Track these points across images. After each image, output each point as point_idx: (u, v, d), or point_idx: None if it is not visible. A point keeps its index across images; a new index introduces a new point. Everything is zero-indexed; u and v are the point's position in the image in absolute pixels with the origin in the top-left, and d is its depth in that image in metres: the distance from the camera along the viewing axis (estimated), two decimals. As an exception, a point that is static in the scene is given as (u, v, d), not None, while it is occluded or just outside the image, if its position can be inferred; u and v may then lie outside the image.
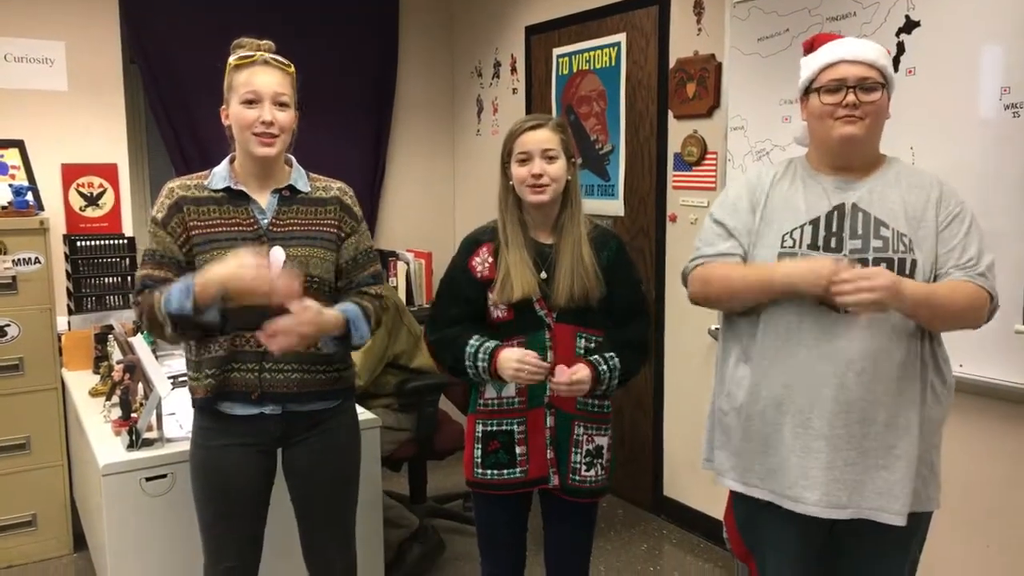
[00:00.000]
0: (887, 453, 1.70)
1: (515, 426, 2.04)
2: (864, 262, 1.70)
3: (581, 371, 1.93)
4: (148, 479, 2.29)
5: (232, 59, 1.92)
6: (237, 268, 1.76)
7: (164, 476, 2.30)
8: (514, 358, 1.92)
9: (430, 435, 3.17)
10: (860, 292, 1.58)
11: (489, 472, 2.06)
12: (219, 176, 1.96)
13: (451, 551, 3.26)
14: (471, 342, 1.99)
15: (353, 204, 2.06)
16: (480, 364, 1.97)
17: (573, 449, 2.04)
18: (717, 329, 3.22)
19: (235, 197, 1.95)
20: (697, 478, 3.47)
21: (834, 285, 1.60)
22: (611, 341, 2.03)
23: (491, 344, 1.97)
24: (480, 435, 2.06)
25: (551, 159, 1.98)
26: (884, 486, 1.70)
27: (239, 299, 1.78)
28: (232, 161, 1.98)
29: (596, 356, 1.99)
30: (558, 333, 2.00)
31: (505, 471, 2.04)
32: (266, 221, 1.95)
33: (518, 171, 1.99)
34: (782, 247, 1.77)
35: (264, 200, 1.96)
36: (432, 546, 3.14)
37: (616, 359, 1.99)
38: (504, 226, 2.04)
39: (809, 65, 1.79)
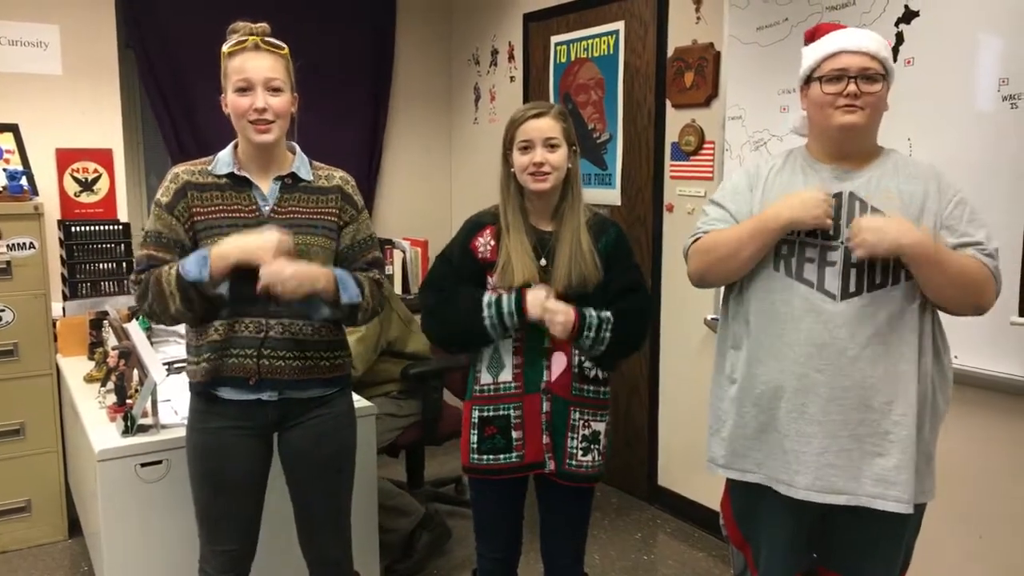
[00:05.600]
0: (882, 440, 1.70)
1: (511, 411, 2.04)
2: None
3: (560, 304, 1.94)
4: (143, 465, 2.29)
5: (225, 46, 1.91)
6: (257, 245, 1.81)
7: (159, 462, 2.30)
8: (540, 296, 1.94)
9: (435, 419, 3.20)
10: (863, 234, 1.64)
11: (486, 457, 2.06)
12: (223, 162, 1.96)
13: (448, 536, 3.28)
14: (487, 294, 1.99)
15: (354, 193, 2.06)
16: (506, 307, 1.95)
17: (569, 434, 2.04)
18: (714, 319, 3.25)
19: (238, 183, 1.95)
20: (692, 467, 3.48)
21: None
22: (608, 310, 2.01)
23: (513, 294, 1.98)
24: (476, 421, 2.07)
25: (553, 147, 1.99)
26: (880, 472, 1.71)
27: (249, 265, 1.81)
28: (236, 147, 1.98)
29: (587, 308, 1.98)
30: None
31: (502, 456, 2.05)
32: (267, 208, 1.95)
33: (520, 159, 2.00)
34: None
35: (266, 187, 1.96)
36: (439, 533, 3.18)
37: (607, 314, 1.97)
38: (505, 212, 2.05)
39: (811, 54, 1.79)
